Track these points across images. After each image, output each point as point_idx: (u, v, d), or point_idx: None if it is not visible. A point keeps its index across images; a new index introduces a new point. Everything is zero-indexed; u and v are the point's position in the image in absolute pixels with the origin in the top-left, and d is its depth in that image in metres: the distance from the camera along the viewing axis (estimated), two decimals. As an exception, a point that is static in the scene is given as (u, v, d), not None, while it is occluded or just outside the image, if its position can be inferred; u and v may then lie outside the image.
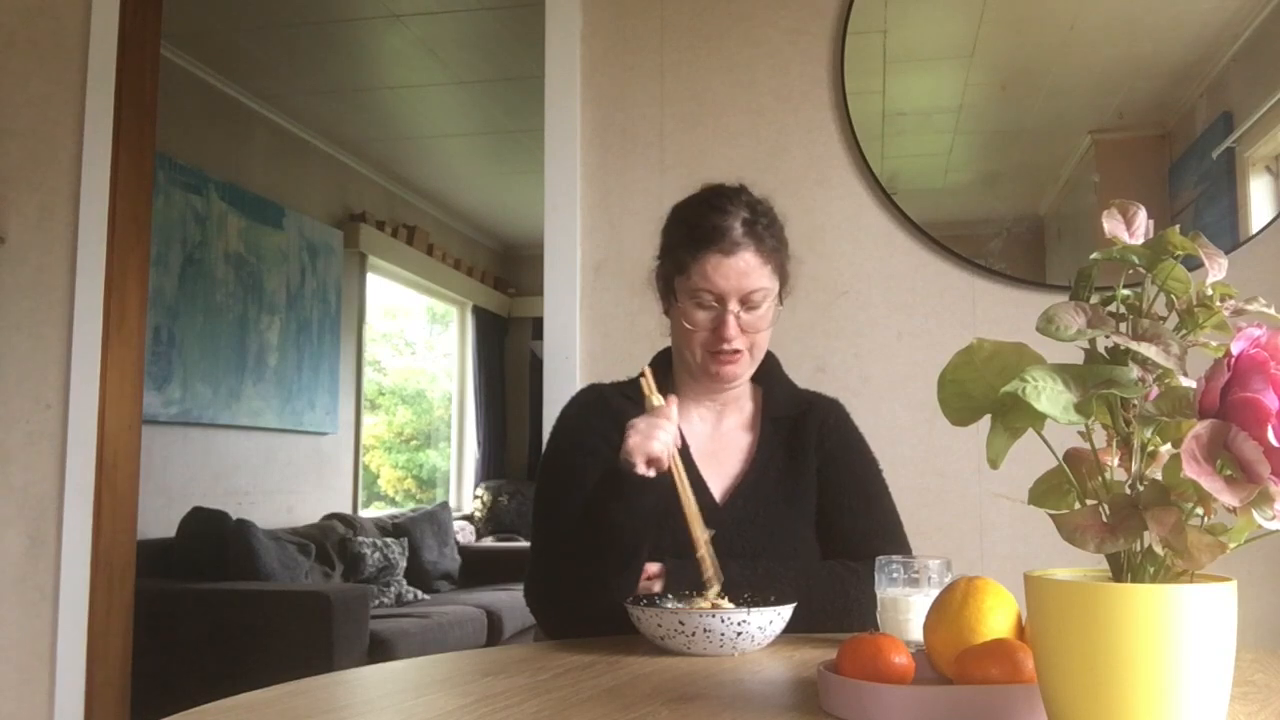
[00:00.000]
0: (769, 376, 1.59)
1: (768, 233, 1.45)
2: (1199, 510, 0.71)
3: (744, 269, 1.41)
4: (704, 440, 1.53)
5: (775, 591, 1.28)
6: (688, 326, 1.45)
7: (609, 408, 1.51)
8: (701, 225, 1.44)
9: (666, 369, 1.57)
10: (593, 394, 1.58)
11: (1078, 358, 0.76)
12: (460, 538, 6.19)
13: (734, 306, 1.42)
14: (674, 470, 1.31)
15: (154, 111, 2.83)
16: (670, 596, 1.29)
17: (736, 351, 1.45)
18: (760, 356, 1.51)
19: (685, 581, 1.31)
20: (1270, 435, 0.66)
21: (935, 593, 1.06)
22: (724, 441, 1.54)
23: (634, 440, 1.30)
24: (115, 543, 2.67)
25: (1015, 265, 2.26)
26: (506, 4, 4.02)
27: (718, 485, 1.49)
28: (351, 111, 5.20)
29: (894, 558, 1.23)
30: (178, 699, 1.05)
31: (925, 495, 2.22)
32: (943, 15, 2.35)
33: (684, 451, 1.49)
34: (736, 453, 1.53)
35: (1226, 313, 0.75)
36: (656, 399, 1.34)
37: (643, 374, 1.38)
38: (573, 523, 1.38)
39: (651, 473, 1.30)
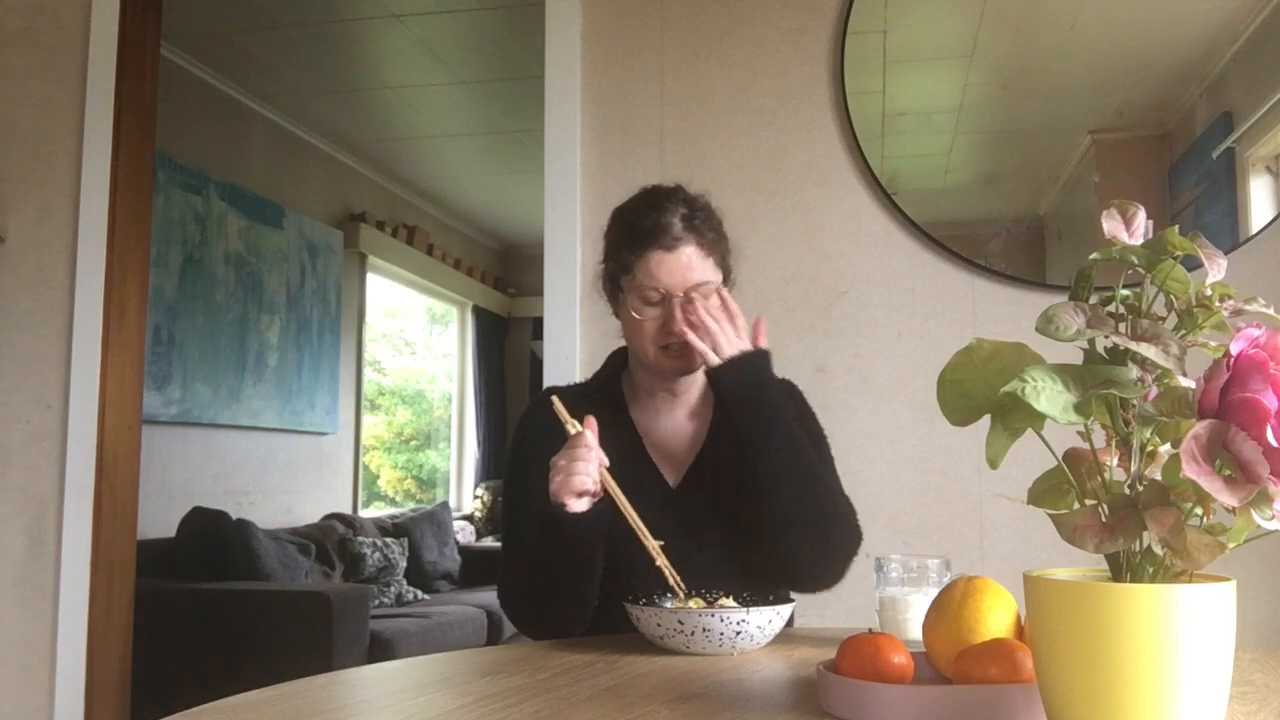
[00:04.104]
0: None
1: (706, 226, 1.48)
2: (1198, 510, 0.71)
3: (687, 263, 1.44)
4: (658, 431, 1.55)
5: (789, 441, 1.37)
6: (636, 318, 1.47)
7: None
8: (642, 224, 1.46)
9: (622, 367, 1.60)
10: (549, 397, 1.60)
11: (1077, 358, 0.76)
12: (460, 538, 6.19)
13: (680, 300, 1.45)
14: (611, 492, 1.31)
15: (154, 111, 2.83)
16: (669, 596, 1.29)
17: (686, 345, 1.45)
18: None
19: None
20: (1269, 435, 0.66)
21: (934, 592, 1.06)
22: (677, 429, 1.56)
23: (556, 482, 1.31)
24: (115, 543, 2.66)
25: (1015, 265, 2.26)
26: (506, 4, 4.02)
27: (671, 471, 1.52)
28: (351, 111, 5.20)
29: (893, 556, 1.23)
30: (178, 699, 1.05)
31: (925, 495, 2.22)
32: (943, 15, 2.35)
33: (638, 443, 1.52)
34: (689, 437, 1.55)
35: (1226, 313, 0.75)
36: (572, 427, 1.34)
37: (553, 403, 1.36)
38: (529, 530, 1.40)
39: (584, 505, 1.31)
